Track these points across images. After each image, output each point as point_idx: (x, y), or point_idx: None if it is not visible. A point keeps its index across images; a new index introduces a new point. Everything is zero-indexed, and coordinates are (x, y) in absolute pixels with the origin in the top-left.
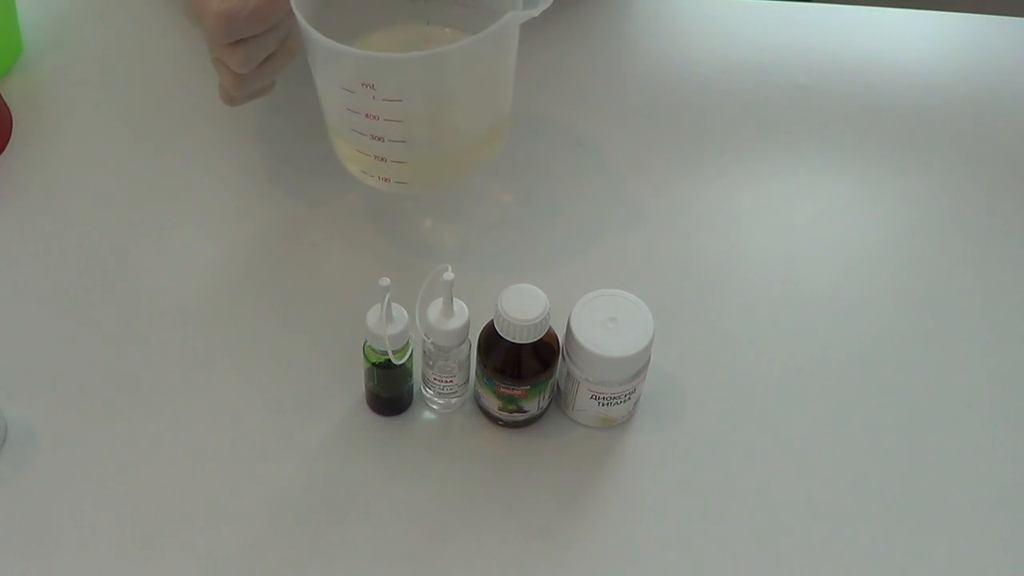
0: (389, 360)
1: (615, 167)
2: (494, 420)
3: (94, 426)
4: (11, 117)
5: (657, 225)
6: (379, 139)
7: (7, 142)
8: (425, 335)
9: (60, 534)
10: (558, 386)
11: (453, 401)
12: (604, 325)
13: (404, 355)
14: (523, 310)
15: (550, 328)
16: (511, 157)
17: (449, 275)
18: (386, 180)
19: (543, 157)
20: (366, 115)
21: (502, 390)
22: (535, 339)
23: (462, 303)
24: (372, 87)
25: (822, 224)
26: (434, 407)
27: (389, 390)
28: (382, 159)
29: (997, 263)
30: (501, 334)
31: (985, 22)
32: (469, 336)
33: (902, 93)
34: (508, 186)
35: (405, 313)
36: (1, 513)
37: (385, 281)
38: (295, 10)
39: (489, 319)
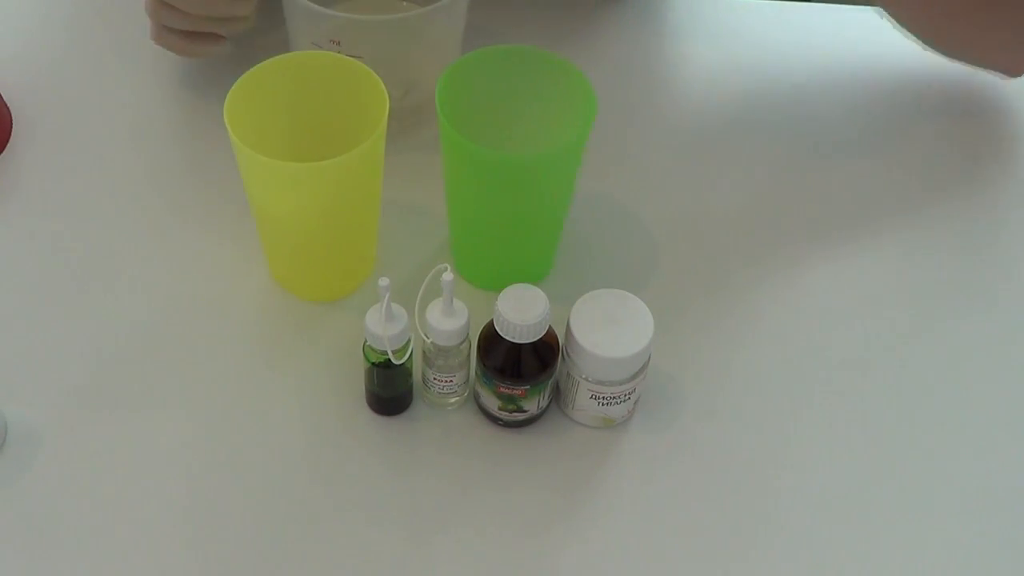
0: (389, 360)
1: (614, 166)
2: (494, 420)
3: (94, 426)
4: (11, 117)
5: (657, 225)
6: None
7: (7, 142)
8: (425, 335)
9: (60, 534)
10: (558, 386)
11: (453, 401)
12: (604, 325)
13: (404, 355)
14: (523, 310)
15: (550, 328)
16: None
17: (449, 275)
18: None
19: None
20: None
21: (502, 390)
22: (535, 339)
23: (462, 303)
24: (338, 43)
25: (821, 223)
26: (434, 407)
27: (389, 390)
28: None
29: (997, 261)
30: (501, 334)
31: None
32: (469, 336)
33: (901, 92)
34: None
35: (405, 313)
36: (1, 513)
37: (385, 281)
38: None
39: (489, 319)
